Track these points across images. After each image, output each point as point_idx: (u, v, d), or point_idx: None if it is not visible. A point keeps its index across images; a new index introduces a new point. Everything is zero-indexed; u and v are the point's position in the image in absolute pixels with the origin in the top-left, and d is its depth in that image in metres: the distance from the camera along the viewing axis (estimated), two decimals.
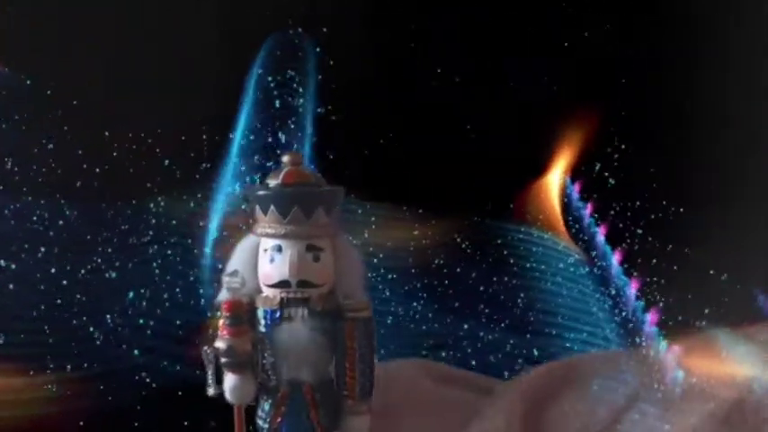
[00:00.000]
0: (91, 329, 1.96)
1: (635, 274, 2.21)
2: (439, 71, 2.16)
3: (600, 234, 2.24)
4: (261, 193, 1.39)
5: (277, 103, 2.06)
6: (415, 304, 2.07)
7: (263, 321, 1.38)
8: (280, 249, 1.36)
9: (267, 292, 1.38)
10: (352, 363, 1.40)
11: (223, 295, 1.35)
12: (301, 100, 2.07)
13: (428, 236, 2.14)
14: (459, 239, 2.19)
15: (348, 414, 1.41)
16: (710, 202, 2.16)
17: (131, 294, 1.98)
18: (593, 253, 2.24)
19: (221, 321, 1.34)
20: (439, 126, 2.14)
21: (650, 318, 2.16)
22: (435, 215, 2.16)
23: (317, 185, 1.40)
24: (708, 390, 1.75)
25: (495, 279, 2.20)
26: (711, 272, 2.16)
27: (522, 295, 2.19)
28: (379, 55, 2.11)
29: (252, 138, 2.04)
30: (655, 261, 2.18)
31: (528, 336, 2.16)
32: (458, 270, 2.18)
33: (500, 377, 2.06)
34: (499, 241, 2.22)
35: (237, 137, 2.03)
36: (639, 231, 2.20)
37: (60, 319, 1.94)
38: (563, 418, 1.75)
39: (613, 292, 2.21)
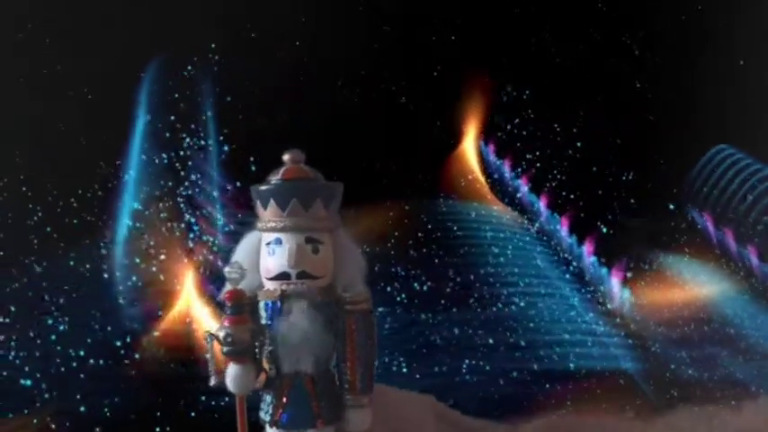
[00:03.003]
0: None
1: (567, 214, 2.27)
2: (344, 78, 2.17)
3: (524, 187, 2.29)
4: (262, 188, 1.43)
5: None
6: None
7: (264, 314, 1.41)
8: (280, 242, 1.40)
9: (268, 285, 1.42)
10: (351, 356, 1.42)
11: (225, 287, 1.39)
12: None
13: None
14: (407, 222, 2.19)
15: (349, 408, 1.42)
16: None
17: None
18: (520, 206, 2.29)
19: (224, 312, 1.38)
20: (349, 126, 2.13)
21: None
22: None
23: (315, 180, 1.44)
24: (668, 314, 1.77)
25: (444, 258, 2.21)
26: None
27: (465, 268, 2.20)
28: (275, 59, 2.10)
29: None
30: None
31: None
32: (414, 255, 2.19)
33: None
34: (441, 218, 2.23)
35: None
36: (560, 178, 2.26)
37: None
38: None
39: (553, 241, 2.26)
